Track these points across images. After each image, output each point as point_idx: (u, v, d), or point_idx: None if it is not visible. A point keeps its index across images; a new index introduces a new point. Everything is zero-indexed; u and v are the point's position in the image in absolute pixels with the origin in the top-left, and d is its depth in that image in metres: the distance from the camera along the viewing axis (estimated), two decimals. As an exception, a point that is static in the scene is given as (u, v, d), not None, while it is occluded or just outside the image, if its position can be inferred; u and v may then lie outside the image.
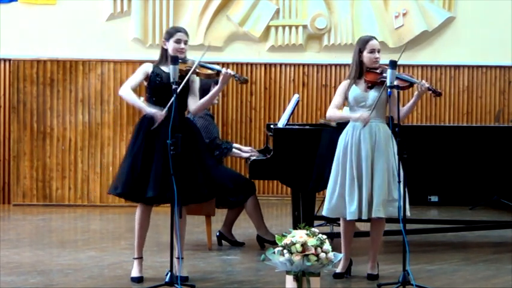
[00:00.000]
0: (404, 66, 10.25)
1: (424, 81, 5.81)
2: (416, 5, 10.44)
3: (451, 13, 10.47)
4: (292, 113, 7.07)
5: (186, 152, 5.48)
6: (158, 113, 5.56)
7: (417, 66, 10.45)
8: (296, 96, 7.22)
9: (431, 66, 10.49)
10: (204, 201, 6.08)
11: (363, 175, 5.76)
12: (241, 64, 10.34)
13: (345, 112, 5.99)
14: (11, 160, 9.93)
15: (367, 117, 5.72)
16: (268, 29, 10.40)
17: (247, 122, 10.40)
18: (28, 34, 10.07)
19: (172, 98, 5.38)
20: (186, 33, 5.76)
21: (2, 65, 10.06)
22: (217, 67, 5.71)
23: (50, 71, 9.90)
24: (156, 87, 5.71)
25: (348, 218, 5.82)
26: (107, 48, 10.07)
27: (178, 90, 5.43)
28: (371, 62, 5.86)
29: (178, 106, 5.47)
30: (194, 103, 5.76)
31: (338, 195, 5.82)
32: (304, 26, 10.41)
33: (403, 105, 5.92)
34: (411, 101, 5.82)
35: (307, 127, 6.95)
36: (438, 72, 10.52)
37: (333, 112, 5.90)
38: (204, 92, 7.02)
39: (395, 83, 5.72)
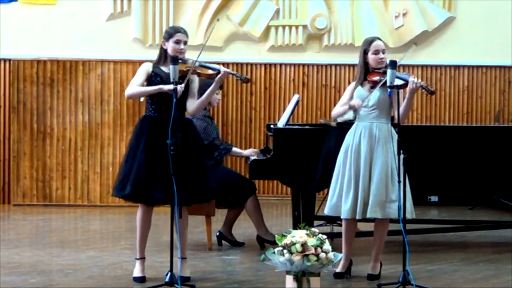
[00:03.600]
0: (404, 66, 10.25)
1: (415, 78, 5.79)
2: (416, 5, 10.44)
3: (451, 13, 10.47)
4: (292, 113, 7.07)
5: (186, 153, 5.49)
6: (178, 87, 5.40)
7: (417, 66, 10.45)
8: (296, 96, 7.21)
9: (431, 66, 10.49)
10: (203, 202, 6.09)
11: (361, 175, 5.76)
12: (241, 64, 10.34)
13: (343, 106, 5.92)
14: (11, 160, 9.93)
15: (358, 102, 5.75)
16: (268, 29, 10.40)
17: (247, 122, 10.39)
18: (28, 34, 10.07)
19: (174, 98, 5.38)
20: (185, 33, 5.73)
21: (2, 65, 10.06)
22: (217, 66, 5.70)
23: (50, 71, 9.89)
24: None
25: (342, 217, 5.84)
26: (107, 48, 10.07)
27: (181, 90, 5.43)
28: (376, 63, 5.85)
29: (179, 107, 5.46)
30: (192, 103, 5.73)
31: (338, 195, 5.84)
32: (304, 26, 10.41)
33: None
34: (406, 100, 5.76)
35: (307, 127, 6.94)
36: (438, 72, 10.51)
37: (336, 109, 5.91)
38: (203, 92, 7.03)
39: (395, 83, 5.71)
